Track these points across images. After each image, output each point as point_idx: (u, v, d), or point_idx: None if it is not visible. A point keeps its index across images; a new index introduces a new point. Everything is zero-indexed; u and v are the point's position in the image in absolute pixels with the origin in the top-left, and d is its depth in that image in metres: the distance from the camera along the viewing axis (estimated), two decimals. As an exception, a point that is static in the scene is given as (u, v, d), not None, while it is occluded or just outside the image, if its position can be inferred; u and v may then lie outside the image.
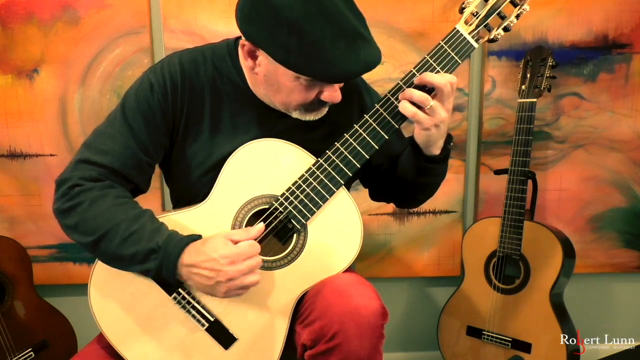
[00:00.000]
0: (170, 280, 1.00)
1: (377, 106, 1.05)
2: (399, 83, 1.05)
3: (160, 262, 0.97)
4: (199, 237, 1.00)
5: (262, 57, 1.00)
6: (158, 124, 1.08)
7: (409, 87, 1.03)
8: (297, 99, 1.04)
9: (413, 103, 1.01)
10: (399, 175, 1.18)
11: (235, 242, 0.97)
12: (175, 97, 1.09)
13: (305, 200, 1.04)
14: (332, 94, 1.02)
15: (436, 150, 1.09)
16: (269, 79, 1.03)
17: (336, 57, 0.92)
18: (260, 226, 1.01)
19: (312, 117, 1.09)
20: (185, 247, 0.97)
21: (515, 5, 1.05)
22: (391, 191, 1.27)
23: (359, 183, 1.58)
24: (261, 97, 1.11)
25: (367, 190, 1.36)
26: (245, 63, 1.07)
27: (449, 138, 1.11)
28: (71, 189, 1.02)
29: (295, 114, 1.08)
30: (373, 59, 0.96)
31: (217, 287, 0.96)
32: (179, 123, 1.10)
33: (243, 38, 1.01)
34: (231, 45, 1.14)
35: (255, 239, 1.00)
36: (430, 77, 1.00)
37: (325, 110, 1.09)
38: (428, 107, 1.00)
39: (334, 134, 1.09)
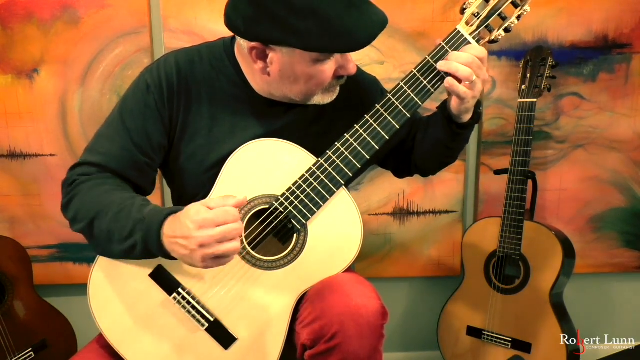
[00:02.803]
0: (157, 253, 0.96)
1: (378, 106, 1.05)
2: (399, 84, 1.05)
3: (145, 233, 0.94)
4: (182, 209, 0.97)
5: (273, 54, 1.00)
6: (155, 124, 1.08)
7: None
8: (317, 84, 1.04)
9: (447, 74, 1.03)
10: (428, 145, 1.21)
11: (211, 209, 0.91)
12: (171, 97, 1.09)
13: (306, 201, 1.04)
14: (348, 65, 1.04)
15: (468, 116, 1.11)
16: (284, 73, 1.02)
17: (354, 26, 0.94)
18: (241, 198, 0.95)
19: (330, 98, 1.09)
20: (167, 217, 0.94)
21: (516, 6, 1.06)
22: (417, 164, 1.29)
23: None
24: (262, 92, 1.11)
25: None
26: (254, 67, 1.05)
27: (478, 102, 1.11)
28: (70, 185, 1.04)
29: (315, 100, 1.08)
30: (384, 18, 0.99)
31: (193, 255, 0.90)
32: (176, 123, 1.10)
33: (250, 43, 1.00)
34: (227, 43, 1.13)
35: (238, 209, 0.94)
36: (456, 59, 1.01)
37: (338, 89, 1.10)
38: (470, 82, 1.01)
39: (334, 131, 1.09)
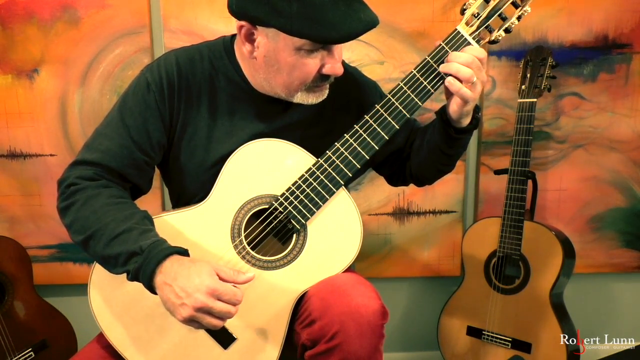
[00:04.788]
0: (145, 286, 0.95)
1: (377, 107, 1.05)
2: (399, 84, 1.05)
3: (140, 265, 0.93)
4: (185, 251, 0.97)
5: (261, 37, 1.00)
6: (155, 122, 1.08)
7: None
8: (299, 77, 1.03)
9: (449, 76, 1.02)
10: (425, 151, 1.19)
11: (221, 279, 0.93)
12: (172, 96, 1.09)
13: (305, 201, 1.05)
14: (334, 65, 1.03)
15: (467, 121, 1.09)
16: (269, 59, 1.02)
17: (338, 18, 0.94)
18: (250, 275, 0.96)
19: (315, 99, 1.08)
20: (168, 257, 0.93)
21: (516, 6, 1.05)
22: (412, 171, 1.27)
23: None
24: (261, 89, 1.11)
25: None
26: (243, 50, 1.06)
27: (476, 107, 1.10)
28: (68, 188, 1.03)
29: (298, 98, 1.07)
30: (373, 19, 0.98)
31: (181, 307, 0.90)
32: (176, 122, 1.10)
33: (239, 21, 1.01)
34: (227, 42, 1.14)
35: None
36: (456, 59, 1.01)
37: (326, 91, 1.09)
38: (471, 83, 1.01)
39: (333, 131, 1.09)
